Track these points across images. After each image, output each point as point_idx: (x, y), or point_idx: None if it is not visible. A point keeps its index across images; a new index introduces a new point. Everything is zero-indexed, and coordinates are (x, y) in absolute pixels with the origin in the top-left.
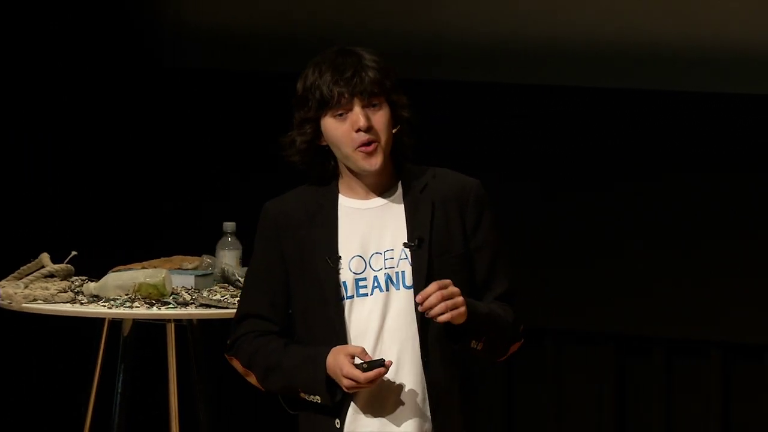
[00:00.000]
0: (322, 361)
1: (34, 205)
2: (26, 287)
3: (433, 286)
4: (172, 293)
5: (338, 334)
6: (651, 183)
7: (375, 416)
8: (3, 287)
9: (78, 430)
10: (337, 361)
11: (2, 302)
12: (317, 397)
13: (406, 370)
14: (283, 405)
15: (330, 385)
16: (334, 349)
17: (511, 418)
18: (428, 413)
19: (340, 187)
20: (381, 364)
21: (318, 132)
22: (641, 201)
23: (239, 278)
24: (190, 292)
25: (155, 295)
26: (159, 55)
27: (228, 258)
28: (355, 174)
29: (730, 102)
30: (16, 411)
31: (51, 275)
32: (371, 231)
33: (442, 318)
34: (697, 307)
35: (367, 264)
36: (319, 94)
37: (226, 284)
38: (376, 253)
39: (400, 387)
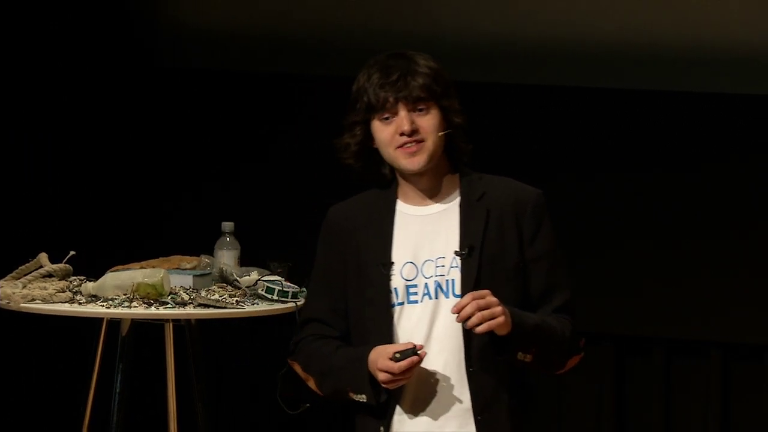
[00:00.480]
0: (366, 359)
1: (33, 204)
2: (24, 287)
3: (468, 297)
4: (171, 293)
5: (387, 340)
6: (651, 183)
7: (419, 423)
8: (1, 287)
9: (76, 430)
10: (377, 356)
11: (0, 302)
12: (363, 396)
13: (452, 378)
14: (282, 406)
15: (374, 383)
16: (376, 347)
17: None
18: (472, 423)
19: (399, 192)
20: (414, 352)
21: (368, 134)
22: (641, 201)
23: (237, 278)
24: (188, 291)
25: (153, 295)
26: (157, 55)
27: (226, 258)
28: (409, 179)
29: (730, 102)
30: (15, 411)
31: (49, 275)
32: (424, 238)
33: (479, 329)
34: (697, 308)
35: (419, 271)
36: (366, 98)
37: (225, 284)
38: (428, 260)
39: (445, 395)
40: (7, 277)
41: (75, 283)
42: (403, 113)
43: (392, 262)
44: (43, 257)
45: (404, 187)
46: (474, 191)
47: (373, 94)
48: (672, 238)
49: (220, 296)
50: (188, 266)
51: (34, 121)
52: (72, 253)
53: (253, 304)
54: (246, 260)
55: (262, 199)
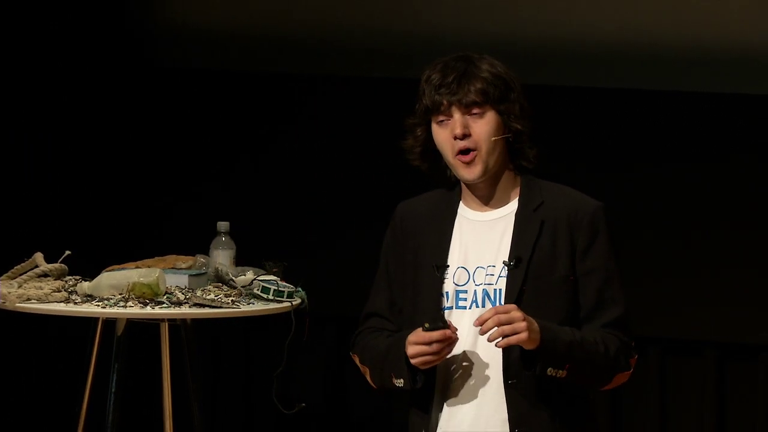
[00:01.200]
0: (404, 340)
1: (28, 204)
2: (20, 287)
3: (490, 311)
4: (166, 293)
5: None
6: (650, 182)
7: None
8: None
9: (72, 430)
10: (412, 334)
11: None
12: (401, 380)
13: (492, 389)
14: (278, 406)
15: (410, 365)
16: (416, 329)
17: None
18: None
19: (462, 195)
20: (445, 325)
21: (430, 135)
22: (640, 200)
23: (233, 278)
24: (183, 291)
25: (149, 295)
26: (155, 55)
27: (222, 257)
28: (468, 185)
29: (730, 102)
30: (10, 410)
31: (45, 275)
32: (479, 244)
33: (499, 344)
34: (692, 307)
35: (470, 277)
36: (424, 100)
37: (220, 284)
38: (480, 267)
39: (485, 406)
40: (2, 277)
41: (70, 282)
42: (457, 116)
43: (447, 266)
44: (39, 257)
45: (465, 191)
46: (532, 200)
47: (429, 96)
48: (669, 238)
49: (216, 296)
50: (184, 266)
51: (33, 121)
52: (67, 252)
53: (249, 304)
54: (241, 260)
55: (258, 199)
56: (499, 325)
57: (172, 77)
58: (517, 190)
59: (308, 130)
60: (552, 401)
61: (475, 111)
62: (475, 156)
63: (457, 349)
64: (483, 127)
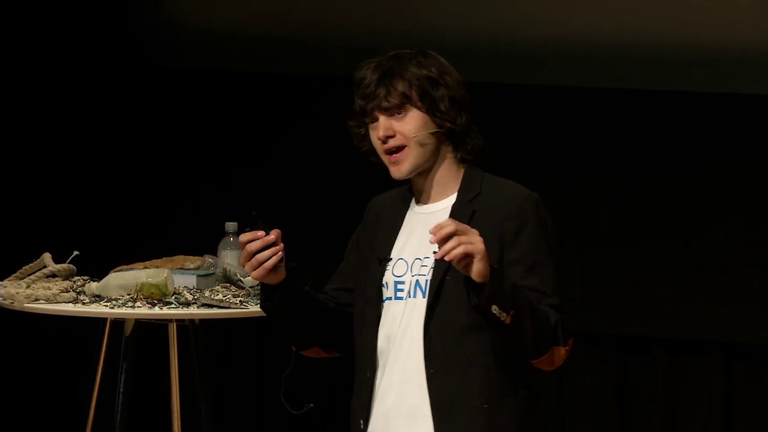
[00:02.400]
0: None
1: (36, 204)
2: (28, 287)
3: (449, 221)
4: (174, 293)
5: (371, 333)
6: (653, 181)
7: (381, 421)
8: (5, 287)
9: (80, 430)
10: None
11: (4, 302)
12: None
13: (417, 378)
14: (286, 406)
15: (264, 288)
16: None
17: None
18: (431, 425)
19: (413, 189)
20: (262, 228)
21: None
22: (641, 200)
23: (241, 278)
24: (191, 292)
25: (157, 295)
26: (156, 55)
27: (230, 258)
28: (411, 178)
29: (730, 102)
30: (18, 411)
31: (53, 275)
32: (418, 236)
33: (455, 252)
34: (699, 307)
35: (408, 268)
36: (354, 104)
37: (228, 284)
38: (417, 258)
39: (410, 393)
40: (10, 277)
41: (78, 283)
42: (381, 119)
43: (390, 258)
44: (47, 257)
45: (412, 185)
46: (470, 192)
47: (356, 101)
48: (673, 238)
49: (224, 296)
50: (192, 266)
51: (35, 121)
52: (76, 253)
53: (257, 304)
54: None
55: (265, 199)
56: (455, 233)
57: (172, 77)
58: (459, 183)
59: (311, 129)
60: (484, 392)
61: (397, 112)
62: (402, 155)
63: (393, 342)
64: (405, 126)
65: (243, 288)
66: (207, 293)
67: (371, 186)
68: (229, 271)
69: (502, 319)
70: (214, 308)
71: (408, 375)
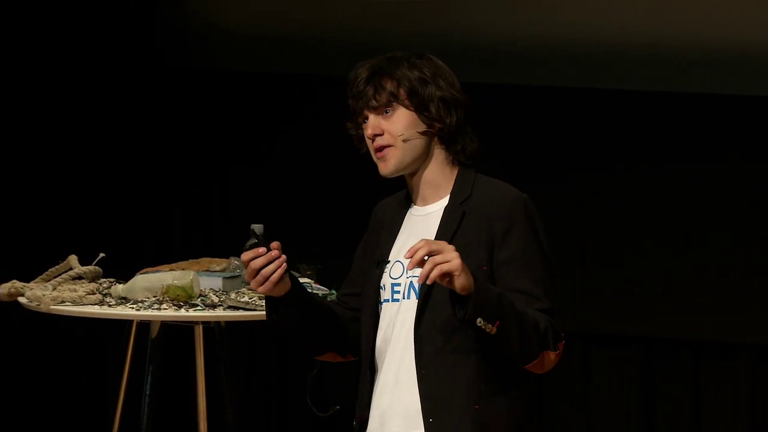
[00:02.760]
0: None
1: (62, 207)
2: (54, 289)
3: (422, 241)
4: (200, 295)
5: (369, 334)
6: (650, 182)
7: (381, 422)
8: (31, 289)
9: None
10: None
11: (31, 304)
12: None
13: (409, 379)
14: (312, 408)
15: (270, 300)
16: None
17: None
18: (421, 426)
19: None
20: (263, 245)
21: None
22: (641, 201)
23: None
24: (217, 294)
25: (183, 297)
26: (157, 55)
27: None
28: (406, 180)
29: (730, 102)
30: (45, 413)
31: (79, 277)
32: (413, 238)
33: (431, 275)
34: (725, 309)
35: (404, 270)
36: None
37: None
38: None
39: (403, 393)
40: (37, 279)
41: (105, 285)
42: (370, 117)
43: (387, 261)
44: (73, 259)
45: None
46: (462, 193)
47: (348, 101)
48: (695, 239)
49: (250, 298)
50: (217, 268)
51: (60, 123)
52: (102, 255)
53: None
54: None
55: (292, 201)
56: (430, 254)
57: (201, 78)
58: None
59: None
60: (474, 393)
61: (385, 110)
62: (388, 153)
63: (390, 343)
64: (391, 125)
65: None
66: (233, 295)
67: (371, 186)
68: None
69: (488, 330)
70: (240, 310)
71: (403, 376)
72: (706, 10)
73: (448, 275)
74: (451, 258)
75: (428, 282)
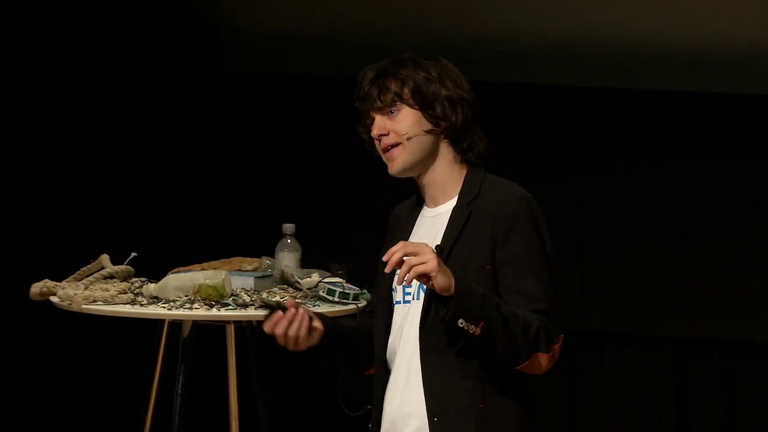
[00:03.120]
0: None
1: (95, 206)
2: (86, 288)
3: (399, 244)
4: (232, 295)
5: (381, 336)
6: (650, 182)
7: (392, 422)
8: (63, 288)
9: (139, 431)
10: None
11: (62, 303)
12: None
13: (416, 377)
14: (343, 407)
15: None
16: None
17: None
18: (426, 425)
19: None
20: (280, 308)
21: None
22: (641, 201)
23: (298, 280)
24: (249, 293)
25: (215, 297)
26: (163, 56)
27: (287, 260)
28: (415, 181)
29: (730, 102)
30: (77, 412)
31: (111, 276)
32: (423, 239)
33: (407, 277)
34: (757, 309)
35: None
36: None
37: (286, 286)
38: None
39: (411, 392)
40: (68, 279)
41: (136, 284)
42: (377, 118)
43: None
44: (105, 259)
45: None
46: (470, 193)
47: (356, 103)
48: (669, 238)
49: (282, 298)
50: (249, 268)
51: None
52: (133, 254)
53: (314, 306)
54: (307, 262)
55: (324, 201)
56: (406, 255)
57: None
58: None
59: (312, 130)
60: (478, 392)
61: (390, 110)
62: (395, 151)
63: (400, 344)
64: (396, 125)
65: (300, 290)
66: (264, 295)
67: (372, 186)
68: (287, 272)
69: (471, 331)
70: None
71: (412, 376)
72: (707, 10)
73: (425, 276)
74: (427, 259)
75: (406, 283)
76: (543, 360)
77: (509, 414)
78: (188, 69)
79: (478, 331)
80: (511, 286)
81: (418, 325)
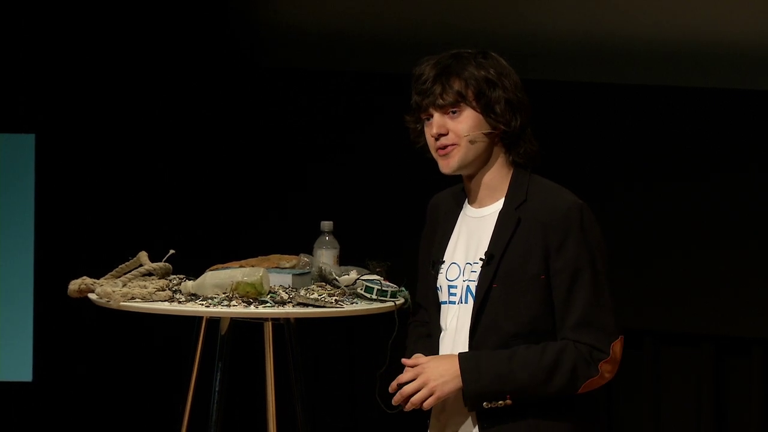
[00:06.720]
0: None
1: (134, 204)
2: (124, 285)
3: (401, 377)
4: (270, 292)
5: (436, 335)
6: (654, 182)
7: (446, 418)
8: (101, 285)
9: (176, 428)
10: None
11: (101, 300)
12: None
13: None
14: (381, 405)
15: None
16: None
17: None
18: (475, 427)
19: (467, 191)
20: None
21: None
22: (643, 201)
23: (336, 277)
24: (287, 291)
25: (253, 294)
26: (256, 56)
27: (325, 257)
28: (463, 180)
29: (754, 100)
30: (115, 409)
31: (149, 274)
32: (469, 240)
33: (408, 408)
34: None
35: (460, 272)
36: (412, 101)
37: (324, 283)
38: (468, 263)
39: (460, 399)
40: (107, 276)
41: (174, 281)
42: (435, 116)
43: (443, 261)
44: (143, 256)
45: (465, 187)
46: (517, 197)
47: (413, 97)
48: (671, 239)
49: (319, 295)
50: (287, 265)
51: (142, 122)
52: (172, 251)
53: (352, 304)
54: (345, 259)
55: (362, 198)
56: (411, 383)
57: (270, 77)
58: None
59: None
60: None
61: (452, 110)
62: (452, 151)
63: (447, 345)
64: (458, 125)
65: (338, 287)
66: (302, 292)
67: (412, 183)
68: (325, 270)
69: (502, 405)
70: (310, 307)
71: None
72: (715, 8)
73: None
74: (426, 380)
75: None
76: (595, 381)
77: (566, 415)
78: (232, 67)
79: (510, 402)
80: (566, 296)
81: (468, 331)
